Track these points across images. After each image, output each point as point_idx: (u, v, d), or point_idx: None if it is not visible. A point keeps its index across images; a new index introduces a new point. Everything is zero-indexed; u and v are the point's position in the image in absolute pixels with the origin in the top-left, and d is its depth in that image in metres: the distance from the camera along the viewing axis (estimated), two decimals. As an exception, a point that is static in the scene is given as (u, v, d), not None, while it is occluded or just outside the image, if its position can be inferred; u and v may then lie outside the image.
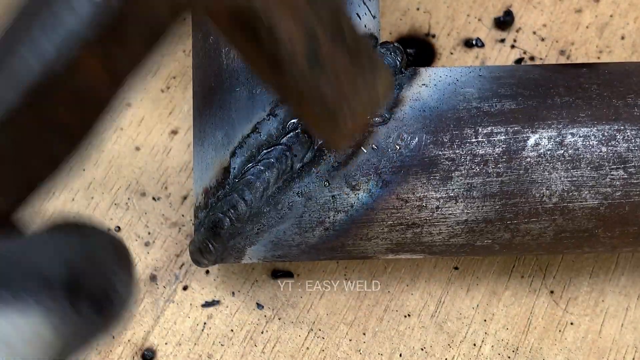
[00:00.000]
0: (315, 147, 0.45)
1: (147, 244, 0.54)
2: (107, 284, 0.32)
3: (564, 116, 0.46)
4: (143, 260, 0.54)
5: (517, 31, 0.60)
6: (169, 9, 0.32)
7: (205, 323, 0.52)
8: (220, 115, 0.46)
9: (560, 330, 0.52)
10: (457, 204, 0.45)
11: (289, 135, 0.45)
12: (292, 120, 0.45)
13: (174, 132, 0.58)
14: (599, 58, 0.61)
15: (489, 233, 0.46)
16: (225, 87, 0.46)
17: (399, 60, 0.47)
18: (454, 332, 0.52)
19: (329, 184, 0.45)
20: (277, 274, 0.54)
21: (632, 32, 0.61)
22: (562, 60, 0.62)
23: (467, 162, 0.45)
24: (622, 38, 0.61)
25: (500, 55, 0.59)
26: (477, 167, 0.45)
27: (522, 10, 0.61)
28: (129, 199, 0.56)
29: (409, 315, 0.53)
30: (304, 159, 0.45)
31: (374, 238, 0.46)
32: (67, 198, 0.56)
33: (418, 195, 0.45)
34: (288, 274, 0.54)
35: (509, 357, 0.51)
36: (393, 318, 0.53)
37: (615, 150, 0.45)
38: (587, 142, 0.45)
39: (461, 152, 0.45)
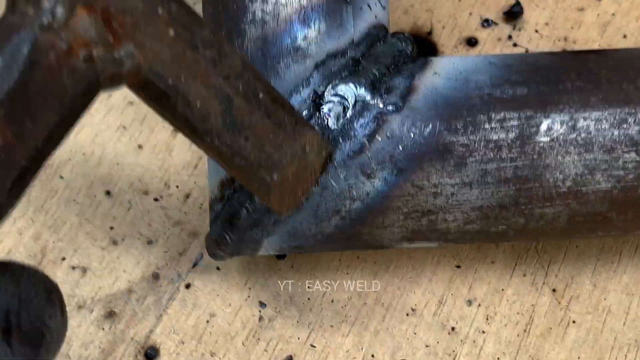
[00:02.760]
0: (330, 137, 0.46)
1: (149, 243, 0.54)
2: (39, 321, 0.33)
3: (575, 100, 0.47)
4: (146, 259, 0.54)
5: (519, 29, 0.60)
6: (76, 84, 0.34)
7: (208, 321, 0.53)
8: None
9: (562, 329, 0.53)
10: (472, 190, 0.47)
11: None
12: (306, 111, 0.45)
13: (177, 131, 0.58)
14: (601, 57, 0.61)
15: (503, 218, 0.48)
16: None
17: (409, 50, 0.49)
18: (456, 330, 0.52)
19: (345, 172, 0.46)
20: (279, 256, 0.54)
21: (634, 31, 0.62)
22: (564, 58, 0.62)
23: (481, 148, 0.46)
24: (624, 37, 0.61)
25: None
26: (491, 153, 0.46)
27: (524, 8, 0.61)
28: (131, 197, 0.56)
29: (411, 314, 0.53)
30: None
31: (389, 226, 0.48)
32: (69, 197, 0.56)
33: (433, 182, 0.46)
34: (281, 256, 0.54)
35: (511, 356, 0.52)
36: (395, 316, 0.53)
37: (627, 133, 0.47)
38: (599, 126, 0.47)
39: (475, 138, 0.46)
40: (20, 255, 0.55)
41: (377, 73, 0.47)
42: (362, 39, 0.48)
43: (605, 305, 0.54)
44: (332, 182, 0.46)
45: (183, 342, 0.53)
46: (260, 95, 0.40)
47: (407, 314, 0.54)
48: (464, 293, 0.54)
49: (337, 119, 0.46)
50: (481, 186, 0.47)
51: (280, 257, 0.55)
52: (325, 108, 0.46)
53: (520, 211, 0.47)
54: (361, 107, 0.46)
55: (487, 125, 0.46)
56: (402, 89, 0.47)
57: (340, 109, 0.46)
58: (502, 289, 0.54)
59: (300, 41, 0.47)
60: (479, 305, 0.54)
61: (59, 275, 0.54)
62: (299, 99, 0.46)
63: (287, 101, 0.42)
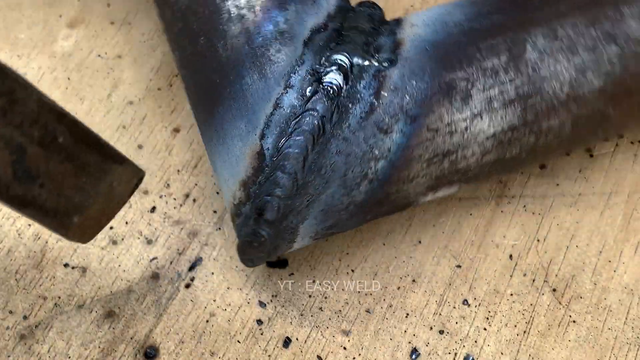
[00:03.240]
0: (340, 104, 0.47)
1: (149, 242, 0.54)
2: None
3: (548, 13, 0.49)
4: (145, 258, 0.54)
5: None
6: None
7: (207, 321, 0.52)
8: (236, 106, 0.47)
9: (562, 328, 0.52)
10: (483, 119, 0.48)
11: (312, 100, 0.47)
12: (310, 87, 0.47)
13: (176, 130, 0.58)
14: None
15: (516, 140, 0.50)
16: (232, 79, 0.47)
17: (378, 13, 0.50)
18: (456, 330, 0.52)
19: (362, 134, 0.47)
20: (272, 263, 0.54)
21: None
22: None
23: (480, 77, 0.48)
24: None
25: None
26: (490, 79, 0.48)
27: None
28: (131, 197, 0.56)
29: (411, 314, 0.53)
30: (332, 119, 0.47)
31: (415, 177, 0.49)
32: (70, 196, 0.56)
33: (446, 121, 0.48)
34: (283, 263, 0.54)
35: (511, 355, 0.52)
36: (395, 316, 0.53)
37: (603, 30, 0.49)
38: (577, 30, 0.49)
39: (472, 70, 0.48)
40: (20, 255, 0.55)
41: (362, 38, 0.48)
42: (336, 11, 0.49)
43: (606, 304, 0.54)
44: (354, 147, 0.47)
45: (183, 342, 0.53)
46: (61, 138, 0.38)
47: (407, 314, 0.54)
48: (464, 293, 0.54)
49: (341, 87, 0.47)
50: (490, 113, 0.48)
51: (282, 264, 0.55)
52: (326, 79, 0.47)
53: (529, 129, 0.49)
54: (358, 70, 0.47)
55: (478, 55, 0.48)
56: (390, 45, 0.48)
57: (340, 77, 0.47)
58: (503, 289, 0.54)
59: (282, 25, 0.48)
60: (479, 304, 0.54)
61: (59, 275, 0.54)
62: (299, 78, 0.47)
63: (96, 137, 0.41)
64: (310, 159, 0.46)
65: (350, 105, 0.47)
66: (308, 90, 0.46)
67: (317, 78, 0.47)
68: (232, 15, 0.48)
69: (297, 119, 0.46)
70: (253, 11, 0.48)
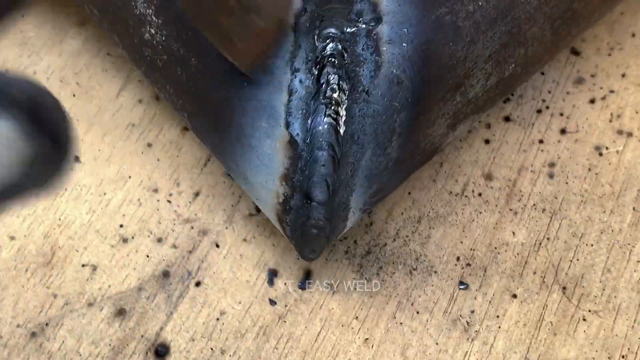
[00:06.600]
0: (349, 70, 0.47)
1: (159, 241, 0.54)
2: (60, 123, 0.32)
3: None
4: (156, 257, 0.54)
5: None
6: None
7: (218, 319, 0.52)
8: (253, 107, 0.48)
9: (572, 327, 0.52)
10: (477, 44, 0.49)
11: (322, 74, 0.47)
12: (316, 64, 0.47)
13: (186, 129, 0.58)
14: (609, 55, 0.61)
15: (509, 56, 0.51)
16: (239, 83, 0.47)
17: None
18: (467, 328, 0.52)
19: (379, 91, 0.47)
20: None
21: (643, 29, 0.62)
22: (573, 58, 0.62)
23: (461, 7, 0.49)
24: (633, 35, 0.61)
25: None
26: (470, 6, 0.49)
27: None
28: (140, 195, 0.56)
29: (421, 312, 0.52)
30: (346, 86, 0.47)
31: (436, 119, 0.50)
32: (79, 195, 0.56)
33: (446, 56, 0.49)
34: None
35: (521, 353, 0.51)
36: (405, 314, 0.53)
37: None
38: None
39: (451, 2, 0.49)
40: (30, 253, 0.54)
41: (340, 10, 0.48)
42: None
43: (616, 303, 0.54)
44: (375, 105, 0.47)
45: (193, 340, 0.53)
46: None
47: (418, 312, 0.54)
48: (474, 291, 0.54)
49: (343, 55, 0.47)
50: (481, 37, 0.49)
51: (272, 276, 0.55)
52: (327, 52, 0.47)
53: (518, 42, 0.51)
54: (351, 36, 0.47)
55: None
56: (368, 7, 0.48)
57: (339, 46, 0.47)
58: (513, 287, 0.54)
59: None
60: (490, 303, 0.54)
61: (69, 273, 0.54)
62: (301, 60, 0.47)
63: None
64: (341, 129, 0.47)
65: (357, 69, 0.47)
66: (315, 68, 0.47)
67: (318, 54, 0.47)
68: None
69: (315, 97, 0.47)
70: None
